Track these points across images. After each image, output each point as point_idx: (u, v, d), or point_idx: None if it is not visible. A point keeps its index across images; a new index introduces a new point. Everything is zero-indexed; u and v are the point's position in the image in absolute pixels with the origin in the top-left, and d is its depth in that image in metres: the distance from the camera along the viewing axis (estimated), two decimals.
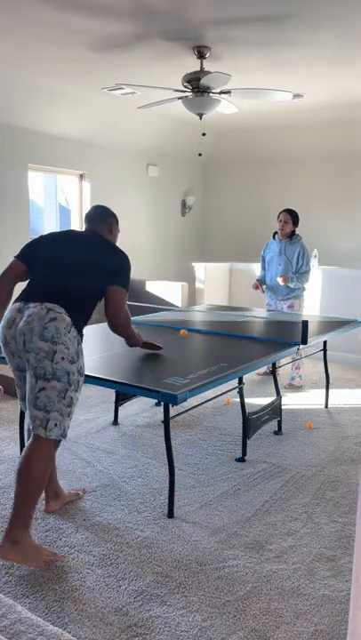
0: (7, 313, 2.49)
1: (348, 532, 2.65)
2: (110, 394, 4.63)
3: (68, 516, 2.75)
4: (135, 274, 6.85)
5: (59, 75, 4.65)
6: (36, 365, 2.30)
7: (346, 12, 3.25)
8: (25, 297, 2.50)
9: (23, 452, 2.36)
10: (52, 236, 2.73)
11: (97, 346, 3.36)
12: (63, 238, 2.71)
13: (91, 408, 4.39)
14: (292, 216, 4.91)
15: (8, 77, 4.62)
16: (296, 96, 5.10)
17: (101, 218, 2.77)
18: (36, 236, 2.79)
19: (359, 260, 6.52)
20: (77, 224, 6.25)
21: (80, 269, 2.52)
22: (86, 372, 2.74)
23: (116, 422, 4.04)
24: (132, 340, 2.89)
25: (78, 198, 6.19)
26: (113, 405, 4.12)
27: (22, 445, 3.38)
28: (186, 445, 3.65)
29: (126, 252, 2.66)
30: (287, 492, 3.02)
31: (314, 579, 2.30)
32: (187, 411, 3.21)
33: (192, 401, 3.21)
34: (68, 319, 2.36)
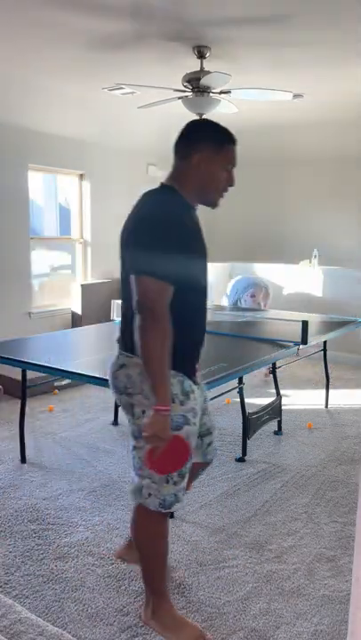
0: None
1: (348, 532, 2.65)
2: (110, 394, 4.64)
3: (69, 516, 2.75)
4: None
5: (59, 75, 4.65)
6: (128, 421, 1.86)
7: (346, 12, 3.25)
8: None
9: (132, 513, 1.96)
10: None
11: (97, 346, 3.36)
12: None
13: (91, 408, 4.39)
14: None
15: (8, 77, 4.62)
16: (296, 96, 5.10)
17: (184, 146, 1.84)
18: None
19: (359, 260, 6.52)
20: (77, 224, 6.24)
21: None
22: (86, 372, 2.74)
23: (116, 422, 4.04)
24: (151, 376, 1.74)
25: (78, 198, 6.19)
26: (113, 405, 4.12)
27: (22, 445, 3.39)
28: None
29: None
30: (287, 492, 3.02)
31: (314, 579, 2.30)
32: None
33: None
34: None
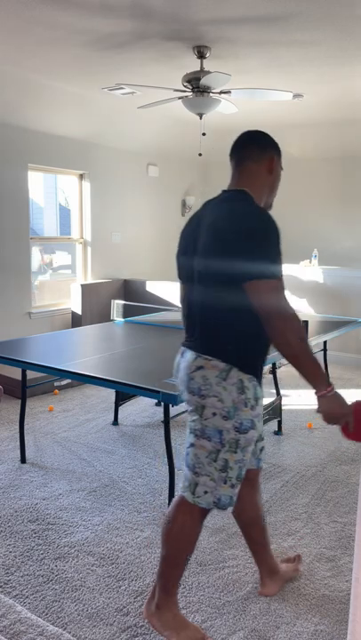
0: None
1: (348, 532, 2.65)
2: (110, 394, 4.64)
3: (69, 516, 2.75)
4: (135, 274, 6.90)
5: (59, 75, 4.65)
6: (190, 418, 1.91)
7: (346, 11, 3.25)
8: None
9: (169, 508, 1.97)
10: None
11: (97, 346, 3.36)
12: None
13: (91, 408, 4.39)
14: None
15: (8, 77, 4.62)
16: (296, 96, 5.10)
17: (258, 152, 1.91)
18: None
19: (359, 260, 6.52)
20: (77, 224, 6.25)
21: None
22: (86, 372, 2.74)
23: (116, 422, 4.05)
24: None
25: (78, 198, 6.19)
26: (113, 405, 4.12)
27: (22, 445, 3.39)
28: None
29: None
30: (287, 492, 3.02)
31: (314, 579, 2.30)
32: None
33: None
34: (222, 365, 1.78)
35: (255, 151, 1.90)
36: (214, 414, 1.79)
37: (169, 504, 2.75)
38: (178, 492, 1.96)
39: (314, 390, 1.75)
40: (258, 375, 1.85)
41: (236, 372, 1.77)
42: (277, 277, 1.72)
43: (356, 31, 3.56)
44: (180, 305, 2.05)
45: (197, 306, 1.86)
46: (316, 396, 1.75)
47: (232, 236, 1.73)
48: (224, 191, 1.92)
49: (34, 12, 3.31)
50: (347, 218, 6.70)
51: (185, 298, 1.96)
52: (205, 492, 1.83)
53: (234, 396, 1.77)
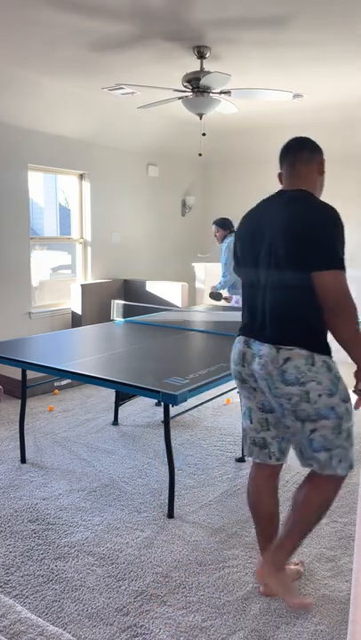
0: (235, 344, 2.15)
1: (349, 532, 2.65)
2: (110, 394, 4.64)
3: (69, 516, 2.75)
4: (135, 274, 6.90)
5: (59, 75, 4.65)
6: (295, 409, 1.98)
7: (346, 11, 3.25)
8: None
9: (303, 488, 2.07)
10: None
11: (97, 346, 3.36)
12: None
13: (91, 408, 4.39)
14: (218, 225, 5.31)
15: (8, 77, 4.62)
16: (296, 96, 5.11)
17: (310, 155, 2.12)
18: None
19: (359, 260, 6.52)
20: (77, 224, 6.25)
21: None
22: (86, 372, 2.75)
23: (116, 422, 4.05)
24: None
25: (78, 198, 6.19)
26: (113, 405, 4.12)
27: (22, 445, 3.39)
28: (186, 445, 3.65)
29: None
30: (287, 492, 3.02)
31: (314, 579, 2.30)
32: (187, 411, 3.21)
33: (192, 401, 3.22)
34: (305, 352, 1.93)
35: (306, 155, 2.11)
36: (320, 395, 1.94)
37: (169, 504, 2.76)
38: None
39: (355, 370, 2.00)
40: (331, 354, 2.03)
41: (318, 357, 1.94)
42: (345, 269, 1.90)
43: (356, 31, 3.56)
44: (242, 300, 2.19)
45: (275, 301, 1.99)
46: (356, 376, 2.01)
47: (312, 230, 1.89)
48: (283, 192, 2.08)
49: (34, 12, 3.32)
50: (347, 218, 6.70)
51: (253, 293, 2.08)
52: (340, 461, 2.00)
53: (326, 375, 1.95)
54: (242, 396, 2.19)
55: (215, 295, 5.41)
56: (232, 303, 5.49)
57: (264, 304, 2.01)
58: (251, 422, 2.16)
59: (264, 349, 1.98)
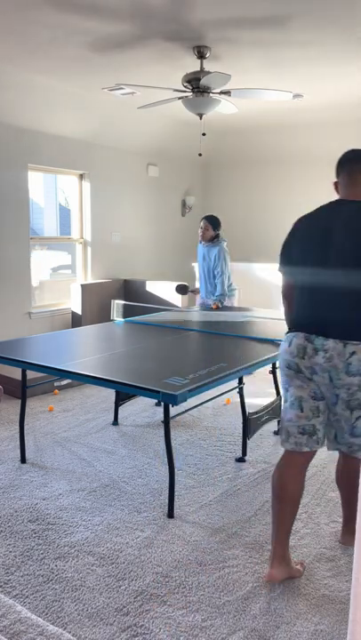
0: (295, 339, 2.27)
1: None
2: (110, 394, 4.64)
3: (69, 516, 2.75)
4: (135, 274, 6.90)
5: (59, 75, 4.65)
6: (350, 399, 2.16)
7: (346, 11, 3.26)
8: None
9: (346, 471, 2.44)
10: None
11: (97, 346, 3.36)
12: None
13: (91, 408, 4.39)
14: (210, 222, 5.05)
15: (8, 77, 4.62)
16: (296, 96, 5.11)
17: None
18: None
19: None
20: (77, 224, 6.25)
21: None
22: (86, 372, 2.75)
23: (116, 422, 4.05)
24: None
25: (78, 198, 6.20)
26: (113, 405, 4.12)
27: (22, 445, 3.39)
28: (186, 445, 3.65)
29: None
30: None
31: (314, 579, 2.30)
32: (187, 411, 3.21)
33: (192, 401, 3.22)
34: None
35: None
36: None
37: (169, 504, 2.76)
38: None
39: None
40: None
41: None
42: None
43: (356, 31, 3.56)
44: (287, 299, 2.42)
45: (345, 299, 2.14)
46: None
47: None
48: (343, 201, 2.26)
49: (34, 12, 3.32)
50: None
51: (314, 293, 2.21)
52: None
53: None
54: (292, 386, 2.27)
55: (181, 288, 5.15)
56: (198, 300, 5.32)
57: (330, 302, 2.15)
58: (301, 411, 2.24)
59: (329, 344, 2.13)
